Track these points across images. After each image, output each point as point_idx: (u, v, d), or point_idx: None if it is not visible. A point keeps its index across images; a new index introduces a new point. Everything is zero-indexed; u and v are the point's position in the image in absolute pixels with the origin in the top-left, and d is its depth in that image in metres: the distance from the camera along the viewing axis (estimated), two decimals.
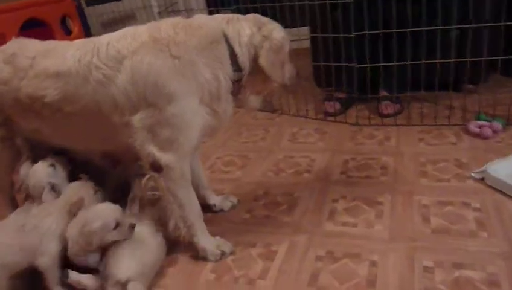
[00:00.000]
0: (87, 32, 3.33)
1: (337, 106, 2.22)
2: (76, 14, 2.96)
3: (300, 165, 1.77)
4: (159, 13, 3.20)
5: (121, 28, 1.26)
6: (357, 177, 1.62)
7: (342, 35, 1.93)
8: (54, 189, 1.31)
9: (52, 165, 1.34)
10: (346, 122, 2.11)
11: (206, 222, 1.35)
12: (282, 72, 1.33)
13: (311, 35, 1.79)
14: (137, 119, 1.17)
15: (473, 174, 1.49)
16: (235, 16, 1.29)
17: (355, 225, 1.35)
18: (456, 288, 1.06)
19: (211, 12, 2.17)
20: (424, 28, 1.86)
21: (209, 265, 1.27)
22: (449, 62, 1.92)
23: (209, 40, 1.20)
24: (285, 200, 1.54)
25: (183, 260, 1.31)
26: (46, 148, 1.39)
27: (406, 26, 1.89)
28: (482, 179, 1.46)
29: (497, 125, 1.75)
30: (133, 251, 1.18)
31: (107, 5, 3.65)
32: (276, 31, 1.29)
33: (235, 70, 1.23)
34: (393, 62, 1.96)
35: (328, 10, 2.01)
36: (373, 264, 1.18)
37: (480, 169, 1.49)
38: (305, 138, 2.04)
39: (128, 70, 1.15)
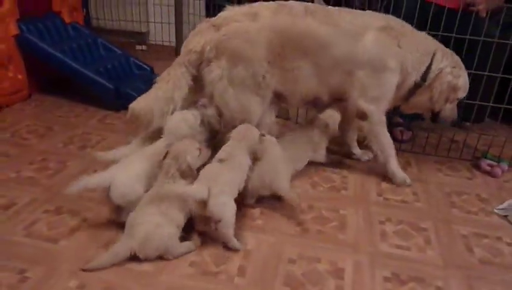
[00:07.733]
0: None
1: None
2: None
3: (335, 181, 1.85)
4: None
5: None
6: (393, 200, 1.74)
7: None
8: None
9: None
10: None
11: (260, 230, 1.47)
12: (442, 104, 1.81)
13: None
14: (360, 74, 1.72)
15: (496, 211, 1.69)
16: (443, 46, 1.81)
17: (408, 249, 1.46)
18: None
19: None
20: None
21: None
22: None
23: (424, 49, 1.77)
24: (333, 217, 1.60)
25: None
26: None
27: None
28: (505, 216, 1.66)
29: (504, 166, 1.98)
30: None
31: None
32: (462, 78, 1.79)
33: (420, 78, 1.77)
34: None
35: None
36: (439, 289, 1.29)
37: (502, 206, 1.69)
38: None
39: (371, 39, 1.71)
